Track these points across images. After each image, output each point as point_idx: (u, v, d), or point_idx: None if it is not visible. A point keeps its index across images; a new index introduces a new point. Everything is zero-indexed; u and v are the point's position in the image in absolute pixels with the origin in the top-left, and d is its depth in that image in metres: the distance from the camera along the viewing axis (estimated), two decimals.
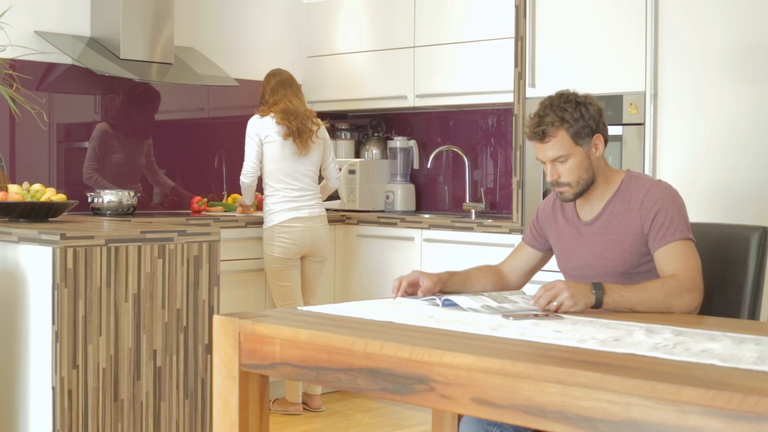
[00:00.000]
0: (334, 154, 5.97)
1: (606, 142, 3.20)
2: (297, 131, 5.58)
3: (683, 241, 3.06)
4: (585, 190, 3.18)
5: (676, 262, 3.03)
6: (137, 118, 6.19)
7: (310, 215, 5.64)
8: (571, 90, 3.20)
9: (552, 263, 3.43)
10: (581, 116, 3.12)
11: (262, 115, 5.63)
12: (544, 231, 3.37)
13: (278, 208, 5.60)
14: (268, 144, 5.60)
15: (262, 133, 5.60)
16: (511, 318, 2.74)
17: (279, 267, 5.61)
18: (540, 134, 3.11)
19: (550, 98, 3.16)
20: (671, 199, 3.12)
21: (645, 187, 3.16)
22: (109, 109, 6.09)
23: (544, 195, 5.18)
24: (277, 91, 5.67)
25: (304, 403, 5.78)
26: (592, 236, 3.21)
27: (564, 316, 2.81)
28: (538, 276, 3.52)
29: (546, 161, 3.15)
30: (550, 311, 2.84)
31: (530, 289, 3.36)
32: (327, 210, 6.11)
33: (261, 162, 5.64)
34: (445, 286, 3.18)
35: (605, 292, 2.86)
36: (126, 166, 6.16)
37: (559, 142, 3.11)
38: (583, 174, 3.14)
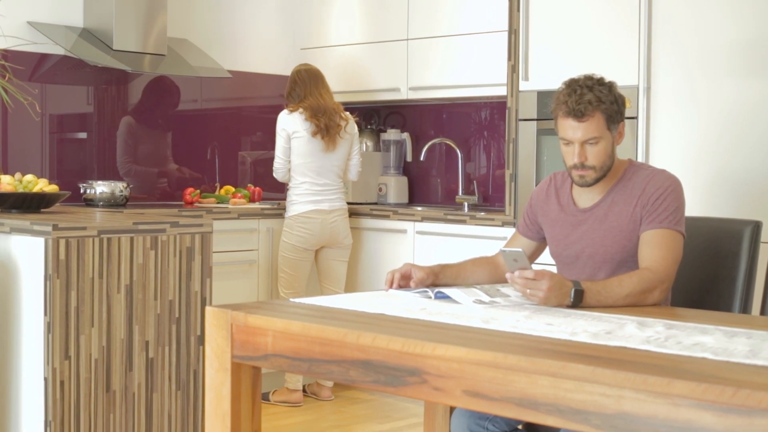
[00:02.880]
0: (360, 148, 6.03)
1: None
2: (325, 128, 5.66)
3: (671, 231, 3.05)
4: (604, 176, 3.15)
5: (657, 251, 3.02)
6: (157, 110, 6.20)
7: (331, 208, 5.72)
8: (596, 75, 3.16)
9: (547, 252, 3.42)
10: (615, 100, 3.10)
11: (291, 111, 5.68)
12: (538, 219, 3.36)
13: (300, 200, 5.69)
14: (296, 139, 5.67)
15: (290, 129, 5.66)
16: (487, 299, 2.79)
17: (292, 255, 5.68)
18: (580, 112, 3.06)
19: (582, 79, 3.11)
20: (672, 188, 3.10)
21: (648, 175, 3.14)
22: (132, 102, 6.11)
23: None
24: (307, 86, 5.72)
25: (313, 393, 5.84)
26: (590, 223, 3.18)
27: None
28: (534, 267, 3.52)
29: (575, 141, 3.09)
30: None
31: None
32: None
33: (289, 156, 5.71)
34: (438, 279, 3.18)
35: (585, 294, 2.85)
36: (150, 156, 6.23)
37: (595, 123, 3.07)
38: (607, 160, 3.12)
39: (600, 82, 3.12)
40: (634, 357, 2.15)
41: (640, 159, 4.71)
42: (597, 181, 3.15)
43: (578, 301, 2.83)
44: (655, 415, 1.94)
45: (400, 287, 3.14)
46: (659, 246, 3.03)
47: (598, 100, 3.06)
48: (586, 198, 3.23)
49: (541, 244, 3.40)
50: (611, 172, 3.17)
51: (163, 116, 6.35)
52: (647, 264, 3.01)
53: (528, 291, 2.85)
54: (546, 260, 3.45)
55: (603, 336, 2.37)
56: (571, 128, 3.10)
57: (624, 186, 3.16)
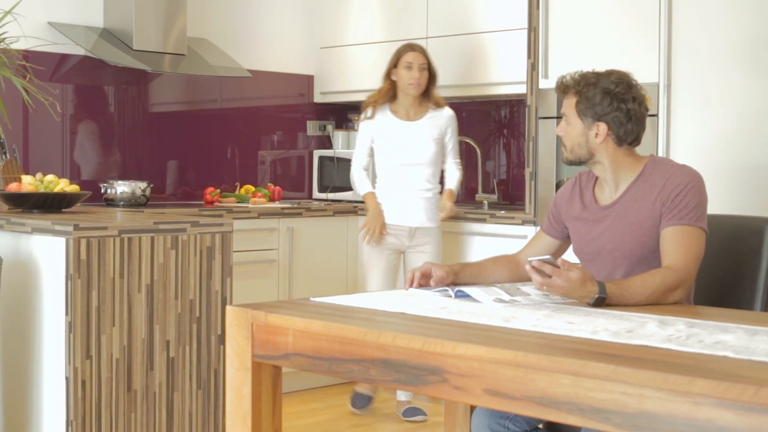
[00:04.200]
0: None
1: (620, 138, 3.14)
2: None
3: (692, 228, 3.04)
4: (578, 161, 3.21)
5: (679, 248, 3.01)
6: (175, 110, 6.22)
7: None
8: (629, 79, 3.19)
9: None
10: (592, 99, 3.13)
11: None
12: (562, 217, 3.36)
13: None
14: None
15: None
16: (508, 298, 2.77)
17: None
18: (560, 88, 3.22)
19: (604, 72, 3.19)
20: (693, 184, 3.09)
21: (668, 171, 3.13)
22: (153, 102, 6.11)
23: (557, 186, 5.18)
24: None
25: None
26: (610, 220, 3.18)
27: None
28: None
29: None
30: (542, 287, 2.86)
31: None
32: (340, 201, 6.14)
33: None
34: (458, 278, 3.18)
35: (607, 297, 2.84)
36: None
37: (568, 105, 3.19)
38: (576, 147, 3.18)
39: (602, 81, 3.14)
40: (655, 356, 2.14)
41: (661, 155, 4.69)
42: (569, 161, 3.24)
43: (599, 305, 2.83)
44: (677, 414, 1.94)
45: (420, 286, 3.14)
46: (680, 243, 3.02)
47: (576, 91, 3.16)
48: (607, 195, 3.23)
49: (565, 243, 3.40)
50: (630, 171, 3.17)
51: (181, 116, 6.37)
52: (669, 262, 3.00)
53: (549, 279, 2.82)
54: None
55: (624, 335, 2.37)
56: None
57: (644, 182, 3.15)
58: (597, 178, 3.26)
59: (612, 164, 3.18)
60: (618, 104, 3.13)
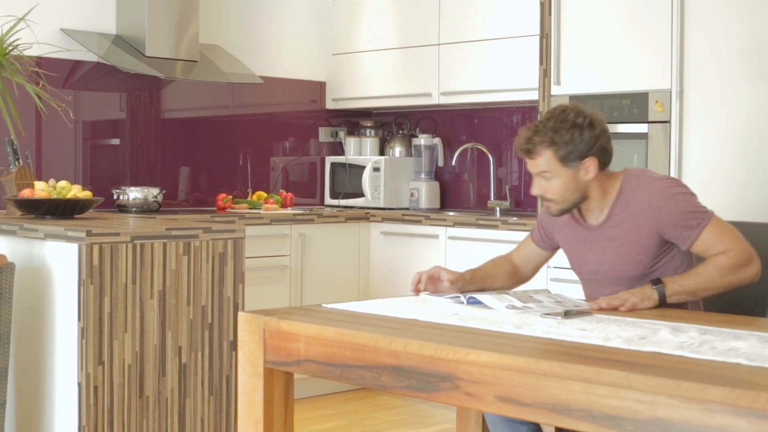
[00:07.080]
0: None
1: (605, 163, 3.14)
2: None
3: (711, 220, 3.04)
4: (572, 208, 3.16)
5: (720, 243, 3.02)
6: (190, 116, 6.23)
7: None
8: (578, 107, 3.13)
9: (566, 263, 3.43)
10: (572, 140, 3.05)
11: None
12: (552, 233, 3.35)
13: None
14: None
15: None
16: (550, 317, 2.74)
17: None
18: (525, 151, 3.11)
19: (550, 113, 3.12)
20: (676, 190, 3.10)
21: (647, 187, 3.11)
22: (165, 108, 6.12)
23: None
24: None
25: None
26: (602, 241, 3.18)
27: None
28: (561, 274, 3.52)
29: (533, 174, 3.14)
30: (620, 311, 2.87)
31: (551, 287, 3.35)
32: (352, 208, 6.14)
33: None
34: (468, 284, 3.18)
35: (665, 286, 2.87)
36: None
37: (545, 161, 3.08)
38: (569, 194, 3.12)
39: (564, 119, 3.08)
40: (667, 362, 2.14)
41: (673, 163, 4.67)
42: (563, 212, 3.17)
43: (663, 294, 2.90)
44: (689, 421, 1.93)
45: (426, 290, 3.14)
46: (716, 238, 3.02)
47: (549, 141, 3.06)
48: (594, 215, 3.21)
49: (552, 253, 3.42)
50: (610, 190, 3.16)
51: (193, 122, 6.38)
52: (720, 252, 3.02)
53: (618, 301, 2.88)
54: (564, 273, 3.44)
55: (636, 341, 2.36)
56: (528, 162, 3.14)
57: (626, 201, 3.13)
58: None
59: (600, 191, 3.15)
60: (595, 132, 3.09)
